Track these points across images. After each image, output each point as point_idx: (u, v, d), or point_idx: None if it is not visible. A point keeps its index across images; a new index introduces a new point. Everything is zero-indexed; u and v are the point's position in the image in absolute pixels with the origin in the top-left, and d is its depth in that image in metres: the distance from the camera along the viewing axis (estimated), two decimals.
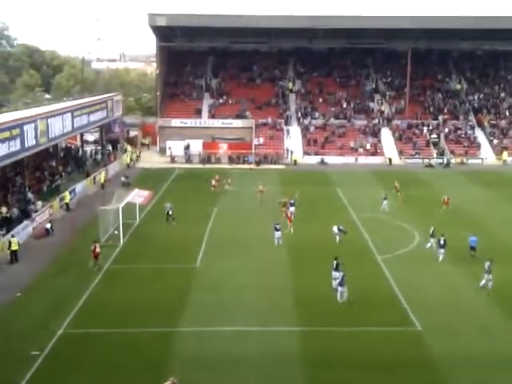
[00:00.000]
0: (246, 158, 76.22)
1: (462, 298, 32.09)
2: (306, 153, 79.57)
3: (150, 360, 24.94)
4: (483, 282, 32.81)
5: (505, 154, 78.14)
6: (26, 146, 43.83)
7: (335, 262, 32.77)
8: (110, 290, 32.73)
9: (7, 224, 41.10)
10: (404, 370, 24.51)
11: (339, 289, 30.84)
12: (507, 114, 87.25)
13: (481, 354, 25.76)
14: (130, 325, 28.15)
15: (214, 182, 58.07)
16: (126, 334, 27.41)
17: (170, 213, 46.36)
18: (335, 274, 32.35)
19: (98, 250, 36.22)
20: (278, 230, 40.67)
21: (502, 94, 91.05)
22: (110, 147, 77.82)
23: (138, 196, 46.41)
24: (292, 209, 46.92)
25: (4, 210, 42.98)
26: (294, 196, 49.10)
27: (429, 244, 39.62)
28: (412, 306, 30.38)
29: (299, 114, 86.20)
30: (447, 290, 33.06)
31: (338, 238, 41.07)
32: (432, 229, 39.82)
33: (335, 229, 41.30)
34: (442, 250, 37.40)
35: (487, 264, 32.78)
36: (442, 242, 37.49)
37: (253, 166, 74.23)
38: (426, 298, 31.70)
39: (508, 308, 30.40)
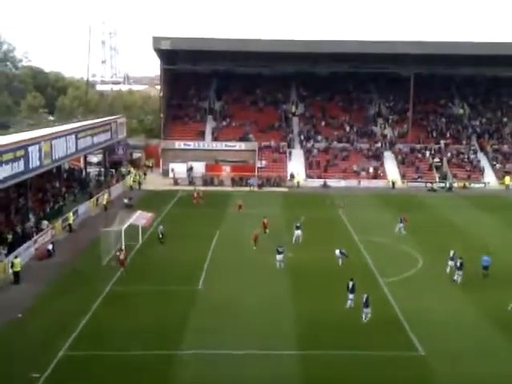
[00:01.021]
0: (249, 181, 76.04)
1: (466, 321, 31.92)
2: (308, 176, 79.66)
3: (151, 383, 24.77)
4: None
5: (507, 179, 78.13)
6: (30, 167, 43.99)
7: (351, 283, 33.15)
8: (111, 312, 32.57)
9: (12, 244, 41.03)
10: None
11: (364, 310, 31.14)
12: (509, 138, 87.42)
13: (484, 377, 25.56)
14: (131, 347, 27.96)
15: (195, 195, 63.33)
16: (127, 356, 27.21)
17: (161, 236, 46.25)
18: (351, 296, 32.88)
19: (122, 257, 39.05)
20: (280, 253, 40.48)
21: (505, 119, 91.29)
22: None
23: (140, 218, 46.44)
24: (298, 232, 47.05)
25: (19, 229, 43.43)
26: (300, 220, 49.03)
27: (448, 268, 39.48)
28: (415, 330, 30.19)
29: (302, 137, 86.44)
30: (451, 313, 32.85)
31: (340, 261, 40.99)
32: (452, 252, 39.73)
33: (337, 252, 41.26)
34: (460, 272, 37.75)
35: None
36: (458, 264, 37.84)
37: (253, 189, 74.19)
38: (430, 321, 31.47)
39: (509, 331, 30.26)
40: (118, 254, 39.92)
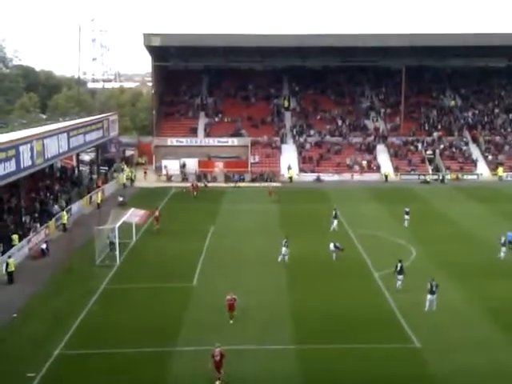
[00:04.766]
0: (242, 177, 76.06)
1: (460, 312, 32.03)
2: (301, 170, 79.70)
3: (146, 381, 24.79)
4: None
5: (500, 170, 78.35)
6: (22, 166, 43.81)
7: (399, 265, 34.73)
8: (106, 311, 32.56)
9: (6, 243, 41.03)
10: None
11: (429, 297, 31.73)
12: (501, 130, 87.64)
13: (479, 368, 25.66)
14: (126, 345, 27.98)
15: (194, 185, 66.91)
16: (122, 354, 27.21)
17: (114, 241, 41.70)
18: (399, 277, 34.78)
19: (156, 213, 49.42)
20: (285, 246, 40.43)
21: (496, 110, 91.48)
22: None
23: (134, 215, 46.35)
24: (335, 221, 49.47)
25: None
26: (335, 209, 50.82)
27: (502, 254, 40.26)
28: (410, 322, 30.28)
29: (294, 132, 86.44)
30: (445, 304, 32.84)
31: (334, 255, 41.05)
32: (503, 238, 40.40)
33: (332, 246, 41.33)
34: None
35: None
36: None
37: (241, 184, 74.14)
38: (424, 314, 31.56)
39: (505, 321, 30.43)
40: (155, 213, 49.48)
